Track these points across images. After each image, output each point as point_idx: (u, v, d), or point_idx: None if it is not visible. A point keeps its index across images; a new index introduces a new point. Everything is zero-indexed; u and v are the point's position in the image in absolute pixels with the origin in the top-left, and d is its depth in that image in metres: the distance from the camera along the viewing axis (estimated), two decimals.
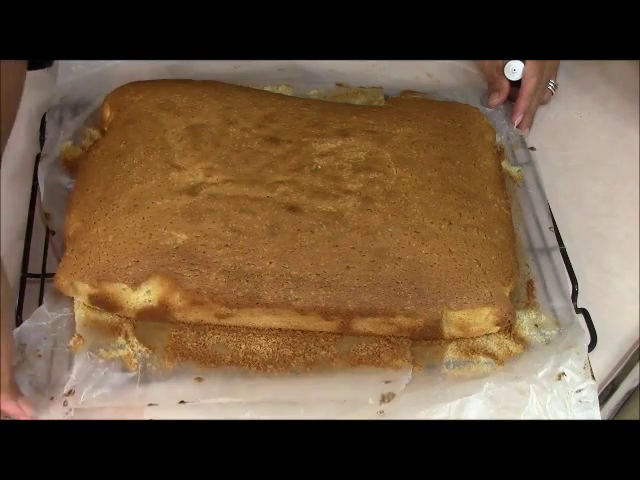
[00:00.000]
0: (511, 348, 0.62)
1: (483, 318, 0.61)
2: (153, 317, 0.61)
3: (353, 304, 0.60)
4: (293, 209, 0.63)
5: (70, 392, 0.56)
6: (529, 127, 0.83)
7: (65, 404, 0.56)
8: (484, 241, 0.64)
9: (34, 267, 0.66)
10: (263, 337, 0.61)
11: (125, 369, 0.58)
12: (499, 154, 0.78)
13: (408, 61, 0.89)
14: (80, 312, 0.61)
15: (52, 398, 0.56)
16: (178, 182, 0.64)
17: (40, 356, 0.59)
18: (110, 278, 0.60)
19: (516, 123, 0.82)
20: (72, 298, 0.62)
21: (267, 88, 0.80)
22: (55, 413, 0.56)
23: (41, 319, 0.61)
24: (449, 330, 0.62)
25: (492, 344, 0.63)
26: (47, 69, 0.74)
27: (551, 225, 0.72)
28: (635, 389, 0.65)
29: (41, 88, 0.80)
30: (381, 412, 0.58)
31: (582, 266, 0.70)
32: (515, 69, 0.82)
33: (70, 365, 0.58)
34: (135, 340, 0.60)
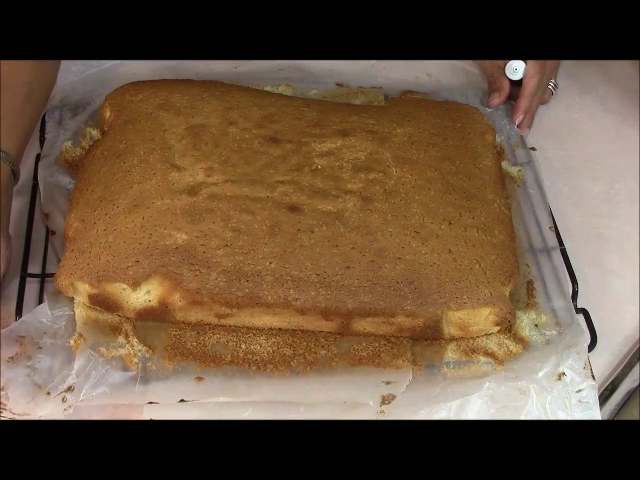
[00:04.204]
0: (511, 348, 0.62)
1: (483, 318, 0.61)
2: (153, 317, 0.61)
3: (353, 304, 0.60)
4: (293, 209, 0.63)
5: (70, 388, 0.57)
6: (529, 127, 0.83)
7: (64, 400, 0.56)
8: (484, 241, 0.64)
9: (34, 267, 0.66)
10: (263, 337, 0.61)
11: (125, 368, 0.58)
12: (499, 154, 0.78)
13: (408, 61, 0.89)
14: (80, 311, 0.61)
15: (49, 393, 0.56)
16: (178, 182, 0.64)
17: (40, 348, 0.59)
18: (110, 278, 0.60)
19: (517, 123, 0.82)
20: (72, 298, 0.62)
21: (267, 88, 0.80)
22: (53, 409, 0.56)
23: (41, 316, 0.61)
24: (449, 330, 0.62)
25: (492, 344, 0.63)
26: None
27: (551, 225, 0.72)
28: (635, 389, 0.65)
29: None
30: (381, 412, 0.58)
31: (582, 266, 0.70)
32: (517, 68, 0.82)
33: (70, 361, 0.58)
34: (135, 340, 0.60)
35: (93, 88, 0.79)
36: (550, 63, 0.85)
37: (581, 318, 0.65)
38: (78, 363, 0.58)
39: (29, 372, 0.57)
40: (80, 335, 0.59)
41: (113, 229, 0.62)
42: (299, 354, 0.61)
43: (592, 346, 0.64)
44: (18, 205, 0.70)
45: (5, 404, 0.55)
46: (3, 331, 0.59)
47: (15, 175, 0.65)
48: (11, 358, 0.58)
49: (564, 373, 0.60)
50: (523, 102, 0.82)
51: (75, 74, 0.82)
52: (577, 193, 0.79)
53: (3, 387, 0.56)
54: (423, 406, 0.58)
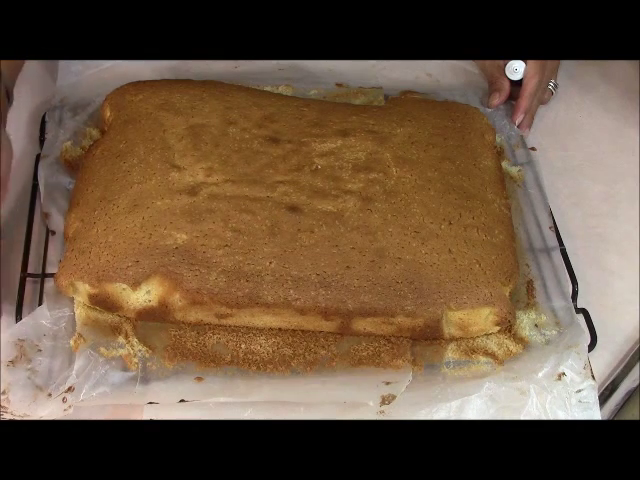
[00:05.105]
0: (511, 348, 0.62)
1: (483, 318, 0.61)
2: (153, 317, 0.61)
3: (353, 304, 0.60)
4: (293, 209, 0.63)
5: (70, 389, 0.57)
6: (529, 127, 0.83)
7: (64, 400, 0.56)
8: (484, 241, 0.64)
9: (34, 267, 0.66)
10: (263, 337, 0.61)
11: (125, 368, 0.58)
12: (499, 154, 0.78)
13: (408, 61, 0.89)
14: (80, 312, 0.61)
15: (50, 394, 0.56)
16: (178, 182, 0.64)
17: (40, 351, 0.59)
18: (110, 278, 0.60)
19: (517, 123, 0.82)
20: (72, 298, 0.62)
21: (267, 88, 0.80)
22: (54, 409, 0.56)
23: (41, 317, 0.61)
24: (449, 330, 0.62)
25: (492, 344, 0.63)
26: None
27: (551, 225, 0.72)
28: (635, 389, 0.65)
29: (41, 88, 0.81)
30: (381, 412, 0.58)
31: (582, 266, 0.70)
32: (517, 69, 0.82)
33: (70, 362, 0.58)
34: (135, 340, 0.60)
35: (93, 88, 0.79)
36: (550, 63, 0.85)
37: (581, 318, 0.65)
38: (78, 363, 0.58)
39: (29, 375, 0.57)
40: (80, 335, 0.59)
41: (113, 229, 0.62)
42: (299, 354, 0.61)
43: (592, 346, 0.64)
44: (18, 205, 0.70)
45: (6, 407, 0.55)
46: (3, 335, 0.59)
47: (9, 98, 0.65)
48: (11, 362, 0.58)
49: (564, 373, 0.60)
50: (523, 102, 0.82)
51: (75, 74, 0.82)
52: (577, 193, 0.79)
53: (4, 391, 0.56)
54: (423, 406, 0.58)
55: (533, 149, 0.80)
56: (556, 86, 0.86)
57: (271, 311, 0.60)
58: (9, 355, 0.58)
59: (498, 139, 0.79)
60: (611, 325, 0.67)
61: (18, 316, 0.61)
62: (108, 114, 0.73)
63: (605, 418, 0.64)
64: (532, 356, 0.62)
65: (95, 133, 0.75)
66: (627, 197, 0.79)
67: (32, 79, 0.79)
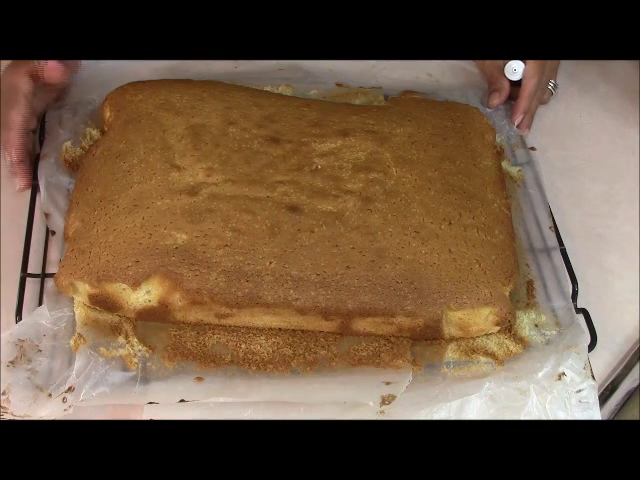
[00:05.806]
0: (511, 348, 0.62)
1: (483, 318, 0.61)
2: (153, 317, 0.61)
3: (353, 304, 0.60)
4: (293, 209, 0.63)
5: (70, 389, 0.57)
6: (529, 127, 0.83)
7: (64, 400, 0.56)
8: (484, 241, 0.64)
9: (34, 267, 0.66)
10: (263, 337, 0.61)
11: (125, 368, 0.58)
12: (499, 154, 0.78)
13: (408, 61, 0.89)
14: (80, 311, 0.61)
15: (50, 395, 0.56)
16: (178, 182, 0.64)
17: (40, 351, 0.59)
18: (110, 278, 0.60)
19: (516, 123, 0.82)
20: (72, 298, 0.62)
21: (267, 88, 0.80)
22: (54, 409, 0.56)
23: (41, 318, 0.60)
24: (449, 330, 0.62)
25: (492, 344, 0.63)
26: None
27: (551, 225, 0.72)
28: (635, 389, 0.65)
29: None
30: (381, 412, 0.58)
31: (582, 266, 0.70)
32: (516, 69, 0.82)
33: (70, 362, 0.58)
34: (135, 340, 0.60)
35: (93, 88, 0.79)
36: (550, 63, 0.85)
37: (581, 318, 0.65)
38: (78, 363, 0.57)
39: (30, 375, 0.57)
40: (80, 335, 0.59)
41: (113, 229, 0.62)
42: (299, 354, 0.61)
43: (592, 346, 0.64)
44: (18, 205, 0.70)
45: (6, 407, 0.55)
46: (3, 335, 0.59)
47: None
48: (11, 362, 0.58)
49: (564, 373, 0.60)
50: (522, 103, 0.82)
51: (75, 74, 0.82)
52: (577, 193, 0.79)
53: (4, 391, 0.56)
54: (423, 406, 0.58)
55: (533, 149, 0.80)
56: (556, 86, 0.86)
57: (271, 311, 0.60)
58: (9, 355, 0.58)
59: (498, 139, 0.79)
60: (611, 325, 0.67)
61: (18, 316, 0.61)
62: (108, 114, 0.73)
63: (605, 418, 0.64)
64: (532, 356, 0.62)
65: (95, 133, 0.75)
66: (627, 197, 0.79)
67: None
